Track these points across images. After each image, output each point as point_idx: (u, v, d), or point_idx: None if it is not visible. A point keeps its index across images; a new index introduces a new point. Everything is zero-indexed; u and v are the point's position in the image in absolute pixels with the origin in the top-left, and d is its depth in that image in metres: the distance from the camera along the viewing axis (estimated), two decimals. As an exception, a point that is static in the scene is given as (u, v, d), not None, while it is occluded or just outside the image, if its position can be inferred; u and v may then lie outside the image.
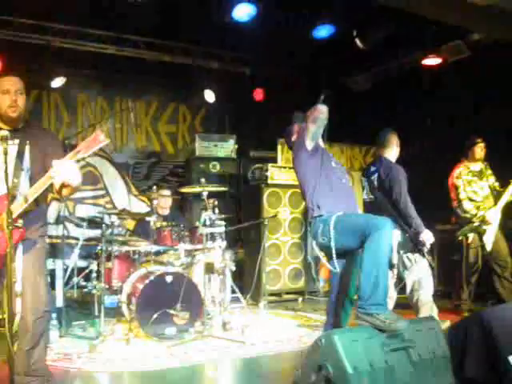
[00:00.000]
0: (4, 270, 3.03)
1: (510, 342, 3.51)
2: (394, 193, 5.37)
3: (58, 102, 8.50)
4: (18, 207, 3.23)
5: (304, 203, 8.21)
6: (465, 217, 6.76)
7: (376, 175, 5.66)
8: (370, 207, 5.72)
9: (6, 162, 2.99)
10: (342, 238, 4.03)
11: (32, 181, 3.37)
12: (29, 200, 3.25)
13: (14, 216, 3.14)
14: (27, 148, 3.41)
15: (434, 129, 8.67)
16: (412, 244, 5.43)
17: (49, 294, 3.63)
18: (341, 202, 4.27)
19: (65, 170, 3.17)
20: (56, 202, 7.69)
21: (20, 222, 3.18)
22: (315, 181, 4.33)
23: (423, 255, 5.55)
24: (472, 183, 6.78)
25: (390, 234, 3.83)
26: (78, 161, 3.24)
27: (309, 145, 4.42)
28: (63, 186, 3.30)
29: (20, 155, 3.38)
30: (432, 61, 7.26)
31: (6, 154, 3.02)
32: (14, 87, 3.44)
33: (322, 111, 4.32)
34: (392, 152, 5.85)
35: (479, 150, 6.79)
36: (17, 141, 3.39)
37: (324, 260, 4.33)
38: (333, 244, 4.04)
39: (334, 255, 4.06)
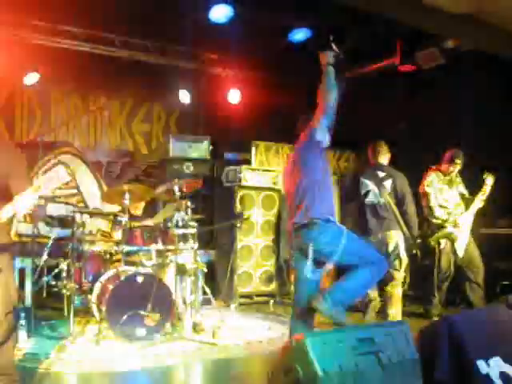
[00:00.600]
0: None
1: (479, 347, 3.56)
2: (407, 199, 6.15)
3: (31, 100, 8.39)
4: None
5: (277, 206, 8.29)
6: (436, 223, 6.83)
7: (390, 181, 6.19)
8: (375, 210, 6.22)
9: None
10: (348, 256, 4.10)
11: None
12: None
13: None
14: None
15: (409, 133, 8.74)
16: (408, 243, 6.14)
17: (17, 292, 3.58)
18: (333, 205, 4.34)
19: (25, 205, 3.11)
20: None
21: None
22: (322, 181, 4.31)
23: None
24: (443, 191, 6.87)
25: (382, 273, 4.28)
26: (39, 197, 3.14)
27: (324, 139, 4.38)
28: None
29: None
30: (407, 67, 7.33)
31: None
32: None
33: (329, 99, 4.45)
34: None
35: (456, 168, 6.87)
36: None
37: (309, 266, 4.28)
38: (335, 258, 4.08)
39: (328, 264, 4.15)
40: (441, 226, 6.79)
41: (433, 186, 6.84)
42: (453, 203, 6.87)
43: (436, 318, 6.51)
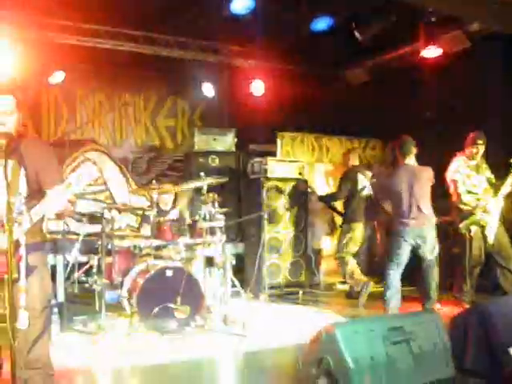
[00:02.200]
0: None
1: (511, 334, 3.52)
2: None
3: (57, 98, 8.48)
4: (22, 227, 3.15)
5: (304, 196, 8.29)
6: (466, 210, 6.75)
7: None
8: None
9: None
10: None
11: (28, 199, 3.32)
12: (33, 220, 3.18)
13: (20, 234, 3.11)
14: (23, 168, 3.34)
15: (434, 120, 8.65)
16: None
17: (51, 288, 3.64)
18: None
19: (57, 203, 3.20)
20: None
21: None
22: None
23: None
24: (471, 177, 6.78)
25: None
26: (70, 193, 3.20)
27: None
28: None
29: (15, 175, 3.28)
30: (432, 52, 7.21)
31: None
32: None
33: None
34: None
35: (479, 150, 6.77)
36: (11, 162, 3.25)
37: None
38: None
39: None
40: (470, 213, 6.71)
41: (460, 172, 6.76)
42: (481, 188, 6.78)
43: (467, 306, 6.45)
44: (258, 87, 8.69)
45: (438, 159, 7.15)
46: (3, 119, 3.34)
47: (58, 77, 7.70)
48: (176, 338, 5.44)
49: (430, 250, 6.36)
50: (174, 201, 7.29)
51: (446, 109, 8.29)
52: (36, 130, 8.22)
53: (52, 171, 3.43)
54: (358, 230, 7.59)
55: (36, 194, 3.34)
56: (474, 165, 6.83)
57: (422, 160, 8.12)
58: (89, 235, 6.91)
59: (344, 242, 7.57)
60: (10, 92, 3.42)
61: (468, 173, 6.78)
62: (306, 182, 8.45)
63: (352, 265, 7.51)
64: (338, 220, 8.50)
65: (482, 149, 6.77)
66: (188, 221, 6.56)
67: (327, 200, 8.31)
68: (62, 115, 8.50)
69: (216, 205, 6.35)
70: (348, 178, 7.75)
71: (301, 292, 8.08)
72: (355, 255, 7.71)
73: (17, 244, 3.09)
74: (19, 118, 3.44)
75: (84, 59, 7.69)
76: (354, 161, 7.93)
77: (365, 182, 7.70)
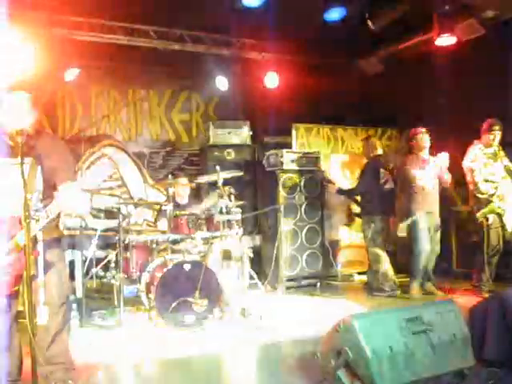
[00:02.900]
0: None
1: (531, 323, 3.49)
2: None
3: (72, 95, 8.52)
4: (39, 224, 3.20)
5: (320, 188, 8.26)
6: (483, 198, 6.70)
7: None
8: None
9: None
10: None
11: (44, 196, 3.36)
12: (50, 217, 3.22)
13: (37, 231, 3.18)
14: (39, 166, 3.37)
15: (449, 108, 8.57)
16: None
17: (69, 284, 3.68)
18: None
19: (70, 198, 3.19)
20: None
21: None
22: None
23: None
24: (488, 165, 6.73)
25: None
26: (86, 190, 3.23)
27: None
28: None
29: (32, 173, 3.33)
30: (446, 40, 7.14)
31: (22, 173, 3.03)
32: (19, 106, 3.39)
33: None
34: None
35: (495, 136, 6.72)
36: (28, 160, 3.31)
37: None
38: None
39: None
40: (488, 201, 6.66)
41: (477, 161, 6.71)
42: (498, 176, 6.72)
43: (486, 295, 6.41)
44: (271, 79, 8.67)
45: (453, 147, 7.11)
46: (20, 116, 3.37)
47: (72, 73, 7.73)
48: (194, 331, 5.46)
49: None
50: (191, 195, 7.31)
51: (462, 97, 8.21)
52: (51, 127, 8.26)
53: (67, 169, 3.47)
54: (378, 223, 7.41)
55: (52, 191, 3.36)
56: (491, 152, 6.78)
57: (437, 148, 8.10)
58: (106, 230, 6.95)
59: (369, 236, 7.41)
60: (27, 89, 3.45)
61: (485, 161, 6.74)
62: (322, 172, 8.43)
63: (387, 263, 7.39)
64: (356, 210, 8.49)
65: (498, 135, 6.72)
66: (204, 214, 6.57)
67: (347, 194, 8.21)
68: (77, 112, 8.54)
69: (232, 198, 6.36)
70: (368, 170, 7.59)
71: (318, 283, 8.08)
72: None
73: (34, 240, 3.12)
74: (35, 115, 3.47)
75: (98, 55, 7.71)
76: (375, 149, 7.63)
77: (387, 175, 7.53)
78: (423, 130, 7.02)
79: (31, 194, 3.21)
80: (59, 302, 3.43)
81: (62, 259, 3.68)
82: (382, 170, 7.43)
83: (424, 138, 7.00)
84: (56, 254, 3.52)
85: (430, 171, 6.91)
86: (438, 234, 7.09)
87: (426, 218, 6.92)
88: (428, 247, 6.88)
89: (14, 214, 3.21)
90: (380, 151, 7.60)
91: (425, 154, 7.01)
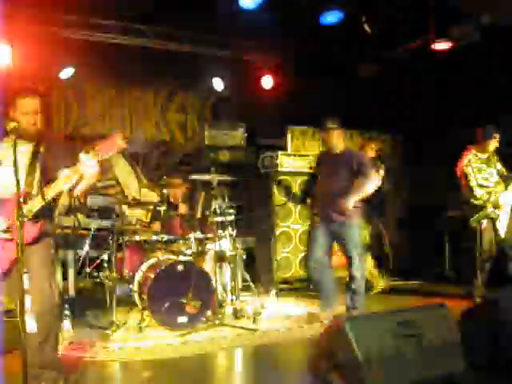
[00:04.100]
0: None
1: (522, 328, 3.50)
2: None
3: (67, 93, 8.50)
4: (36, 204, 3.36)
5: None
6: (477, 203, 6.72)
7: None
8: None
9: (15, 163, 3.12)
10: None
11: (42, 181, 3.52)
12: (47, 198, 3.37)
13: (33, 213, 3.34)
14: (41, 150, 3.58)
15: (444, 115, 8.61)
16: None
17: (58, 286, 3.68)
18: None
19: (91, 167, 3.37)
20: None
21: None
22: None
23: None
24: (482, 170, 6.75)
25: None
26: (98, 161, 3.38)
27: None
28: (80, 181, 3.47)
29: (34, 156, 3.55)
30: (442, 45, 7.17)
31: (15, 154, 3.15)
32: (32, 109, 3.65)
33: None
34: None
35: (493, 144, 6.75)
36: (30, 145, 3.60)
37: None
38: None
39: None
40: (481, 207, 6.68)
41: (471, 166, 6.72)
42: (492, 182, 6.74)
43: (478, 300, 6.42)
44: (268, 82, 8.68)
45: (450, 153, 7.13)
46: (33, 119, 3.65)
47: (67, 72, 7.72)
48: (186, 332, 5.46)
49: None
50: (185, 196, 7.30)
51: (458, 101, 8.24)
52: (46, 125, 8.23)
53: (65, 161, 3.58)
54: (376, 226, 7.47)
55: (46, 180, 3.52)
56: (484, 158, 6.81)
57: (437, 154, 8.14)
58: (99, 230, 6.95)
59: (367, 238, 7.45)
60: (38, 94, 3.64)
61: (479, 166, 6.75)
62: (316, 176, 8.43)
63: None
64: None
65: (496, 144, 6.75)
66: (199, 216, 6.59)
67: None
68: (72, 111, 8.52)
69: (226, 199, 6.37)
70: None
71: (311, 286, 8.08)
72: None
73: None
74: (41, 117, 3.74)
75: (94, 55, 7.70)
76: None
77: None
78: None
79: (32, 177, 3.47)
80: (50, 303, 3.41)
81: (52, 262, 3.72)
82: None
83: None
84: (47, 256, 3.53)
85: None
86: None
87: None
88: None
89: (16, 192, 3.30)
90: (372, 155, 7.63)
91: None
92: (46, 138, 3.74)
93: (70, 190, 3.55)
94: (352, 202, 5.71)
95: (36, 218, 3.35)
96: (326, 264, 6.01)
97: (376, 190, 7.30)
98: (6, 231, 3.37)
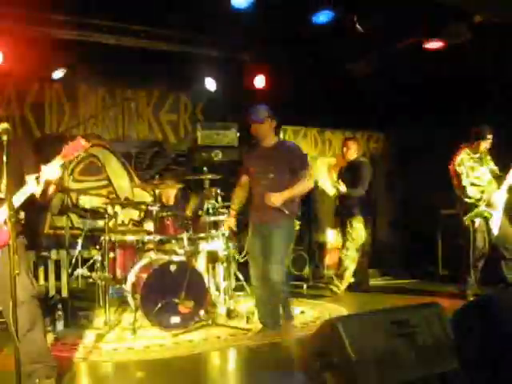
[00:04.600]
0: None
1: (515, 326, 3.50)
2: None
3: (60, 93, 8.48)
4: (4, 210, 3.36)
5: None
6: (470, 202, 6.74)
7: None
8: None
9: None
10: None
11: (8, 186, 3.50)
12: (17, 203, 3.39)
13: (2, 221, 3.41)
14: (4, 155, 3.51)
15: (437, 114, 8.62)
16: None
17: (32, 281, 3.70)
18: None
19: (51, 173, 3.47)
20: (60, 193, 7.73)
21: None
22: None
23: None
24: (474, 169, 6.77)
25: None
26: (62, 165, 3.53)
27: None
28: (48, 186, 3.57)
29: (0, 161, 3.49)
30: (433, 44, 7.18)
31: None
32: None
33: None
34: None
35: (487, 144, 6.78)
36: None
37: None
38: None
39: None
40: (474, 205, 6.70)
41: (464, 165, 6.75)
42: (485, 181, 6.77)
43: (471, 298, 6.44)
44: (260, 81, 8.67)
45: (441, 151, 7.15)
46: None
47: (59, 73, 7.70)
48: (180, 332, 5.45)
49: None
50: (177, 196, 7.29)
51: (452, 100, 8.25)
52: (38, 126, 8.22)
53: (31, 165, 3.71)
54: (368, 224, 7.52)
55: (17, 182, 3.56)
56: (477, 157, 6.83)
57: (429, 153, 8.14)
58: (92, 230, 6.93)
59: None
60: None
61: (472, 165, 6.78)
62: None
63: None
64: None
65: (489, 143, 6.78)
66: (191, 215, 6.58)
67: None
68: (64, 111, 8.50)
69: (219, 199, 6.36)
70: (366, 172, 7.51)
71: (305, 285, 8.09)
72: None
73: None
74: None
75: (86, 55, 7.67)
76: (352, 153, 7.63)
77: None
78: None
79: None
80: (22, 299, 3.39)
81: (25, 257, 3.76)
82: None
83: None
84: (20, 252, 3.53)
85: None
86: None
87: None
88: None
89: None
90: (354, 155, 7.64)
91: None
92: (17, 139, 3.80)
93: (40, 195, 3.58)
94: (281, 199, 5.05)
95: (5, 223, 3.38)
96: (266, 278, 5.23)
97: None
98: None
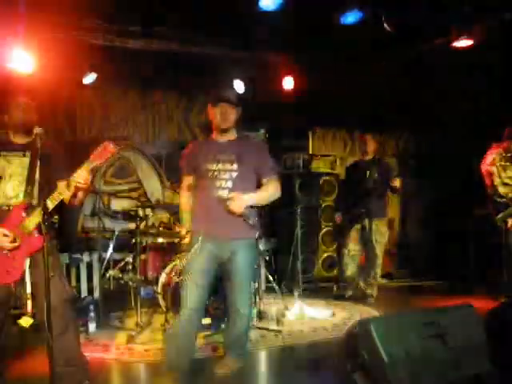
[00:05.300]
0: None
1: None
2: None
3: (91, 98, 8.58)
4: (38, 215, 3.40)
5: (337, 191, 8.25)
6: (502, 202, 6.66)
7: None
8: None
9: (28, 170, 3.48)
10: None
11: (41, 191, 3.64)
12: (50, 208, 3.41)
13: (36, 224, 3.44)
14: (38, 160, 3.62)
15: (470, 113, 8.53)
16: None
17: (66, 285, 3.77)
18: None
19: (81, 178, 3.46)
20: (92, 195, 7.83)
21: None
22: None
23: None
24: (507, 169, 6.69)
25: None
26: (92, 170, 3.54)
27: None
28: (78, 191, 3.58)
29: (32, 166, 3.63)
30: (463, 42, 7.10)
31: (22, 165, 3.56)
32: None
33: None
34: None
35: None
36: (28, 153, 3.69)
37: None
38: None
39: None
40: (506, 205, 6.61)
41: (495, 165, 6.67)
42: (518, 180, 6.68)
43: (504, 300, 6.35)
44: (289, 82, 8.66)
45: (473, 150, 7.08)
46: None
47: (90, 77, 7.79)
48: (210, 333, 5.47)
49: None
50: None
51: (482, 100, 8.17)
52: (71, 129, 8.34)
53: (64, 170, 3.74)
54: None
55: (47, 187, 3.65)
56: (509, 156, 6.74)
57: (456, 151, 8.06)
58: (123, 232, 7.00)
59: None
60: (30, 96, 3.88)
61: (504, 164, 6.69)
62: (338, 176, 8.42)
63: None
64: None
65: None
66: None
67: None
68: (95, 115, 8.60)
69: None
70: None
71: (335, 286, 8.06)
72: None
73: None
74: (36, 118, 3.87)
75: (116, 59, 7.75)
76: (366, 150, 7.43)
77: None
78: None
79: (31, 187, 3.60)
80: (55, 304, 3.43)
81: (59, 260, 3.83)
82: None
83: None
84: (53, 257, 3.59)
85: None
86: None
87: None
88: None
89: (17, 203, 3.58)
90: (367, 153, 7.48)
91: None
92: (49, 145, 3.78)
93: (70, 200, 3.62)
94: (248, 202, 4.06)
95: (39, 227, 3.40)
96: (198, 316, 4.20)
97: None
98: (12, 242, 3.47)
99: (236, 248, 4.08)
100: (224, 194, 4.01)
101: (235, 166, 4.09)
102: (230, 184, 4.06)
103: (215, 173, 4.07)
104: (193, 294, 4.00)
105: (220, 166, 4.08)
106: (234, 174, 4.07)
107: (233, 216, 3.97)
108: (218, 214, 4.00)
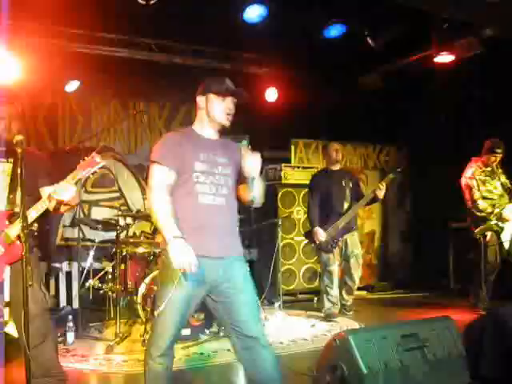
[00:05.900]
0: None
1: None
2: None
3: (73, 106, 8.54)
4: (18, 226, 3.32)
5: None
6: (481, 216, 6.72)
7: None
8: None
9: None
10: None
11: (22, 198, 3.52)
12: (29, 219, 3.35)
13: (16, 235, 3.37)
14: (19, 168, 3.53)
15: (448, 127, 8.63)
16: None
17: (45, 294, 3.71)
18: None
19: (65, 192, 3.36)
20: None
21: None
22: None
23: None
24: (486, 183, 6.76)
25: None
26: (76, 182, 3.44)
27: None
28: (61, 204, 3.49)
29: (14, 173, 3.55)
30: (444, 58, 7.19)
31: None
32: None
33: None
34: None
35: (496, 158, 6.77)
36: (11, 160, 3.59)
37: None
38: None
39: None
40: (485, 219, 6.68)
41: (475, 178, 6.74)
42: (496, 194, 6.76)
43: (483, 312, 6.40)
44: (271, 94, 8.70)
45: (452, 164, 7.15)
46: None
47: (73, 85, 7.76)
48: (190, 345, 5.45)
49: None
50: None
51: (460, 113, 8.27)
52: (51, 138, 8.28)
53: (44, 177, 3.67)
54: None
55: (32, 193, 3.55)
56: (489, 170, 6.82)
57: (435, 165, 8.14)
58: (104, 242, 6.96)
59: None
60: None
61: (483, 178, 6.77)
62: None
63: None
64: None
65: (499, 157, 6.77)
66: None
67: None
68: (77, 123, 8.55)
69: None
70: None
71: (316, 298, 8.07)
72: None
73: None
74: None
75: (99, 68, 7.73)
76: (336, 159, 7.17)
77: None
78: None
79: (13, 195, 3.51)
80: (34, 312, 3.39)
81: (39, 270, 3.77)
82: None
83: None
84: (34, 265, 3.54)
85: None
86: None
87: None
88: None
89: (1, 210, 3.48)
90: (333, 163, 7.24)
91: None
92: (30, 152, 3.69)
93: (54, 210, 3.57)
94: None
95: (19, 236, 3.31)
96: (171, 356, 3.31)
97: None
98: None
99: (232, 264, 3.33)
100: (222, 202, 3.28)
101: (229, 171, 3.43)
102: (225, 191, 3.34)
103: (210, 176, 3.29)
104: (170, 334, 3.18)
105: (220, 168, 3.39)
106: (229, 180, 3.40)
107: (226, 227, 3.34)
108: (212, 226, 3.22)
